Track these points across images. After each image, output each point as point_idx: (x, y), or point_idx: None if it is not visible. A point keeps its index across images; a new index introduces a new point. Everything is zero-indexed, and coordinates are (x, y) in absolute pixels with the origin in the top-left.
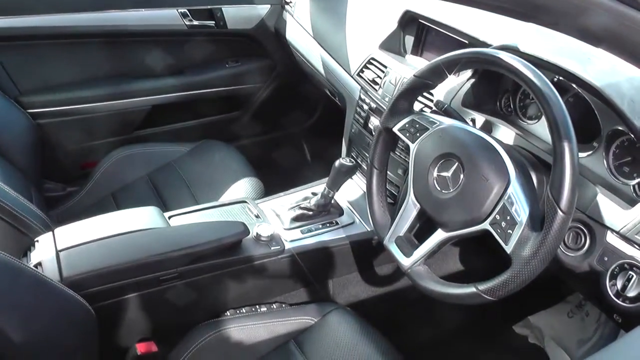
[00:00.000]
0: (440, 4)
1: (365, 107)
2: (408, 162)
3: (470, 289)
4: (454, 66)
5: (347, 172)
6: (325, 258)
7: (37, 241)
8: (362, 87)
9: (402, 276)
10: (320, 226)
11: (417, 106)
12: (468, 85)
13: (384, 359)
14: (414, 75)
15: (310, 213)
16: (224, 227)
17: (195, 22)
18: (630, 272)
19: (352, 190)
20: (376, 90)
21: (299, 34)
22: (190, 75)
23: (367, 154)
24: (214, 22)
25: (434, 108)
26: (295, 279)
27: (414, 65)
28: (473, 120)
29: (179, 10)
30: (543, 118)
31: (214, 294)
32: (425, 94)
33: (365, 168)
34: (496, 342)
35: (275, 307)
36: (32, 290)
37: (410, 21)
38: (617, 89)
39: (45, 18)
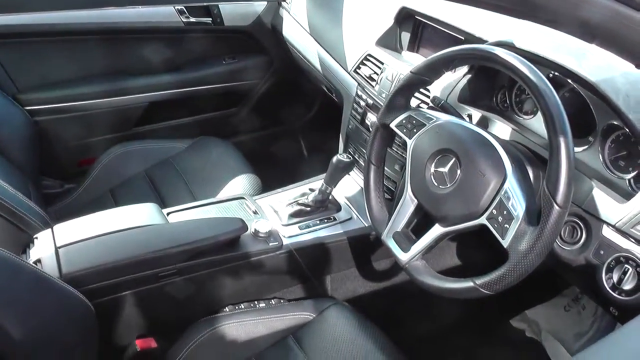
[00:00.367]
0: (436, 1)
1: (362, 103)
2: (405, 158)
3: (467, 283)
4: (450, 62)
5: (345, 168)
6: (323, 254)
7: (36, 238)
8: (358, 84)
9: (400, 271)
10: (318, 222)
11: (413, 102)
12: (464, 81)
13: (383, 354)
14: (411, 72)
15: (308, 209)
16: (222, 223)
17: (192, 19)
18: (626, 265)
19: (349, 186)
20: (373, 87)
21: (296, 31)
22: (187, 72)
23: (364, 150)
24: (210, 19)
25: (431, 104)
26: (293, 274)
27: (410, 61)
28: (469, 116)
29: (176, 7)
30: (539, 113)
31: (213, 290)
32: (421, 90)
33: (363, 164)
34: (493, 336)
35: (273, 302)
36: (32, 286)
37: (406, 17)
38: (612, 84)
39: (42, 15)
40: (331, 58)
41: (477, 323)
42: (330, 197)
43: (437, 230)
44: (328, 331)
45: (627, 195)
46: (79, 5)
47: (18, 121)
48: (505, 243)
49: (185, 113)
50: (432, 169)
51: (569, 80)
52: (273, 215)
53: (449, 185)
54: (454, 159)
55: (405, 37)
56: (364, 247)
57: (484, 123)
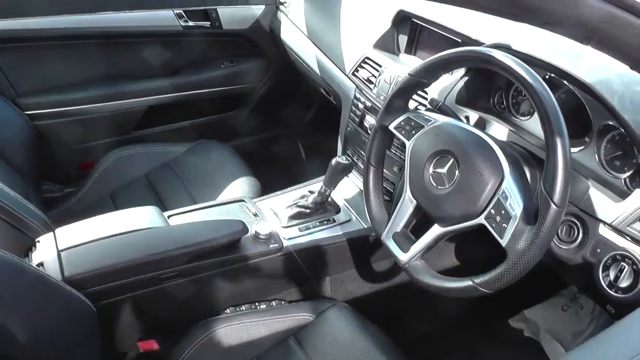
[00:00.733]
0: (433, 3)
1: (361, 105)
2: (403, 160)
3: (466, 283)
4: (448, 65)
5: (344, 170)
6: (322, 255)
7: (38, 241)
8: (357, 86)
9: (399, 272)
10: (318, 224)
11: (411, 104)
12: (461, 83)
13: (383, 353)
14: (409, 74)
15: (308, 211)
16: (223, 225)
17: (191, 23)
18: (622, 263)
19: (348, 188)
20: (371, 89)
21: (294, 34)
22: (186, 76)
23: (362, 152)
24: (209, 22)
25: (429, 106)
26: (293, 276)
27: (408, 64)
28: (467, 118)
29: (175, 12)
30: (535, 114)
31: (214, 291)
32: (419, 92)
33: (361, 166)
34: (492, 336)
35: (274, 304)
36: (34, 288)
37: (403, 20)
38: (608, 85)
39: (41, 20)
40: (329, 61)
41: (476, 323)
42: (329, 199)
43: (436, 230)
44: (328, 332)
45: (622, 195)
46: (79, 9)
47: (18, 125)
48: (503, 242)
49: (184, 116)
50: (431, 170)
51: (565, 82)
52: (273, 217)
53: (447, 186)
54: (452, 160)
55: (403, 39)
56: (363, 248)
57: (481, 124)
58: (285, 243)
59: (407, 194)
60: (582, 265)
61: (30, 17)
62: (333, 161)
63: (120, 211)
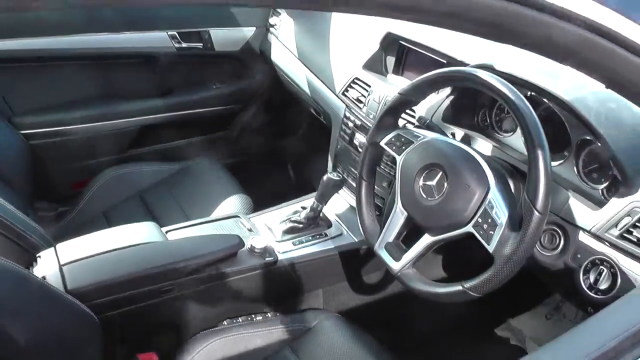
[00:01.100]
0: (419, 25)
1: (350, 124)
2: (392, 175)
3: (456, 287)
4: (435, 84)
5: (335, 187)
6: (316, 268)
7: (39, 257)
8: (347, 106)
9: (388, 283)
10: (311, 238)
11: (400, 122)
12: (447, 102)
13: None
14: (399, 93)
15: (301, 226)
16: (220, 239)
17: (184, 45)
18: (601, 267)
19: (339, 203)
20: (360, 108)
21: (284, 55)
22: (179, 96)
23: (352, 169)
24: (202, 44)
25: (417, 123)
26: (288, 288)
27: (395, 84)
28: (453, 134)
29: (169, 33)
30: (518, 131)
31: (212, 304)
32: (408, 110)
33: (352, 182)
34: (479, 344)
35: (270, 315)
36: (37, 296)
37: (391, 42)
38: (584, 103)
39: (37, 41)
40: (319, 81)
41: (462, 332)
42: (321, 214)
43: (426, 239)
44: (323, 341)
45: (600, 203)
46: (74, 30)
47: (14, 144)
48: (490, 248)
49: (177, 136)
50: (421, 183)
51: (545, 100)
52: (267, 232)
53: (436, 197)
54: (441, 173)
55: (391, 61)
56: (354, 261)
57: (466, 140)
58: (280, 257)
59: (398, 206)
60: (564, 270)
61: (25, 38)
62: (325, 177)
63: (119, 227)
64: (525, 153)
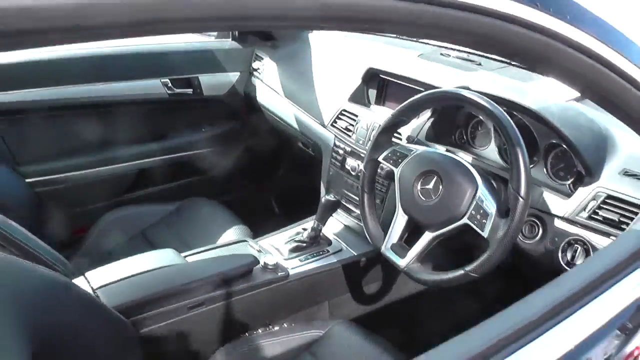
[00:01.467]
0: (397, 60)
1: (341, 151)
2: (384, 193)
3: (459, 272)
4: (425, 104)
5: (333, 206)
6: (322, 281)
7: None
8: (336, 135)
9: (387, 292)
10: (315, 254)
11: None
12: (429, 123)
13: (393, 358)
14: (392, 115)
15: (304, 245)
16: (237, 258)
17: (176, 90)
18: (575, 245)
19: (334, 224)
20: (350, 136)
21: (270, 96)
22: (172, 140)
23: (345, 191)
24: (191, 90)
25: (407, 141)
26: (299, 300)
27: (379, 113)
28: None
29: (161, 80)
30: (491, 145)
31: (233, 318)
32: (395, 133)
33: (345, 204)
34: None
35: (286, 325)
36: (80, 304)
37: (372, 76)
38: (549, 110)
39: (38, 92)
40: (307, 116)
41: (459, 332)
42: (320, 234)
43: (427, 236)
44: (340, 343)
45: (569, 195)
46: (74, 81)
47: (20, 193)
48: (485, 234)
49: (172, 177)
50: (419, 187)
51: (515, 112)
52: (275, 252)
53: (434, 198)
54: (436, 177)
55: (372, 93)
56: (356, 272)
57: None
58: (291, 272)
59: (400, 211)
60: (545, 253)
61: (26, 89)
62: (323, 199)
63: (142, 254)
64: (500, 162)
